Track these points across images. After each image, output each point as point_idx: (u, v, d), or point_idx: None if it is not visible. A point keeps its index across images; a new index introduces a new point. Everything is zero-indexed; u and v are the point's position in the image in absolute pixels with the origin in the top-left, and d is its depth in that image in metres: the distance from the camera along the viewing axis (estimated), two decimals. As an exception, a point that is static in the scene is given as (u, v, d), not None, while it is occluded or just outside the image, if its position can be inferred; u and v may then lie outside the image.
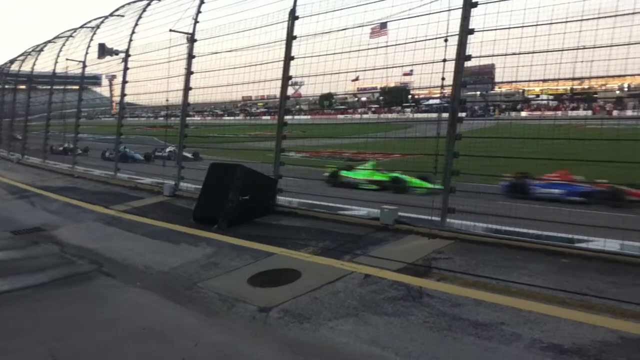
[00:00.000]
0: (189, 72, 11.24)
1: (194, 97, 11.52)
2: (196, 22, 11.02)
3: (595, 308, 4.29)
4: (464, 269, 5.45)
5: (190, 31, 11.17)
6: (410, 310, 4.52)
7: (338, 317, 4.51)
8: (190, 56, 11.17)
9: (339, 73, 8.55)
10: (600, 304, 4.36)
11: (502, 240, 6.16)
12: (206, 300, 5.16)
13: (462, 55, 6.45)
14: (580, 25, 6.08)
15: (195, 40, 11.10)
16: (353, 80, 10.75)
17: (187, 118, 11.89)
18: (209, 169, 8.89)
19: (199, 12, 10.97)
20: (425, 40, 6.93)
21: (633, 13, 5.80)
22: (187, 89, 11.30)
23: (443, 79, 6.51)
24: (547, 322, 4.10)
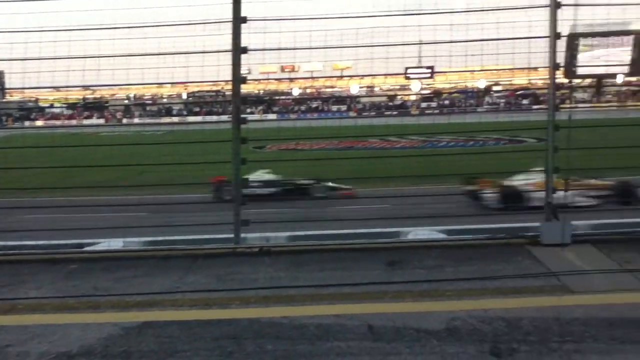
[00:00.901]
0: None
1: None
2: None
3: (102, 306, 4.50)
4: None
5: None
6: None
7: None
8: None
9: None
10: (106, 301, 4.59)
11: (7, 257, 5.75)
12: None
13: None
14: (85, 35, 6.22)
15: None
16: None
17: None
18: None
19: None
20: None
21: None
22: None
23: None
24: (56, 331, 4.05)
